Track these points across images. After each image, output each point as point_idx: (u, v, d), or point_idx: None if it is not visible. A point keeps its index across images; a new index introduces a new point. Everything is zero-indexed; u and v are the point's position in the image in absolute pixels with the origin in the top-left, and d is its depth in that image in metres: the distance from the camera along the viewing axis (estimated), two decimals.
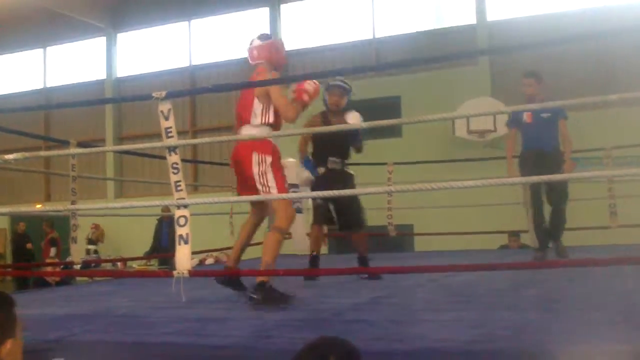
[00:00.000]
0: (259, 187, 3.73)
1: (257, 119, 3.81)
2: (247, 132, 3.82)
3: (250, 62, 4.04)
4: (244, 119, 3.87)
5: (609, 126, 9.94)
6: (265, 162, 3.73)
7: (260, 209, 4.04)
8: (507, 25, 11.83)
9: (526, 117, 5.51)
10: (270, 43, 4.05)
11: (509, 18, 12.00)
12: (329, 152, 4.98)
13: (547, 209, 5.63)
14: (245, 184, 3.86)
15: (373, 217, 6.56)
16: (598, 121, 10.20)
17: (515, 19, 11.88)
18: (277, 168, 3.78)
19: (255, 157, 3.73)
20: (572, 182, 7.87)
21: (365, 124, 3.69)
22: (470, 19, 12.29)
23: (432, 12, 12.95)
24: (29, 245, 12.83)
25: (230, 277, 4.01)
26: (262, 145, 3.76)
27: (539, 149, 5.39)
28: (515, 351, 2.45)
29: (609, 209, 7.03)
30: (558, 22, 11.19)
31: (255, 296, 3.59)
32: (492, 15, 12.13)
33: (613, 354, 2.30)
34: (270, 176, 3.72)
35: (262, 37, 4.09)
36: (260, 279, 3.64)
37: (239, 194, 4.01)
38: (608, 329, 2.70)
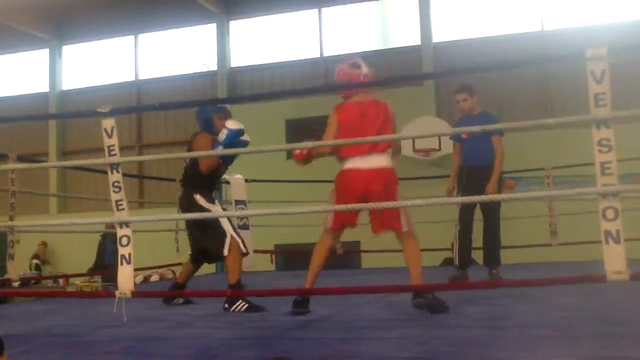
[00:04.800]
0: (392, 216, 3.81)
1: (389, 150, 3.93)
2: (381, 160, 3.85)
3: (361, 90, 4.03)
4: (381, 147, 3.87)
5: (550, 147, 10.28)
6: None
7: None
8: (452, 47, 12.14)
9: (462, 133, 5.49)
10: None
11: (453, 40, 12.32)
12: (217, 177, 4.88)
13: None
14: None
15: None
16: (539, 142, 10.55)
17: (460, 40, 12.21)
18: None
19: (398, 189, 3.90)
20: (515, 201, 8.10)
21: (310, 144, 3.71)
22: (415, 40, 12.55)
23: (379, 33, 13.18)
24: None
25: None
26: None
27: (473, 164, 5.41)
28: None
29: (550, 227, 7.25)
30: (501, 45, 11.57)
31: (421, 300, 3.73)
32: (437, 37, 12.42)
33: None
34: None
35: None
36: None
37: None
38: (549, 345, 2.77)
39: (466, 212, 5.48)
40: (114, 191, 3.31)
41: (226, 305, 4.30)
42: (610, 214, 2.62)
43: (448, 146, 10.97)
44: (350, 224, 3.99)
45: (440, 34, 12.45)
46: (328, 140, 3.93)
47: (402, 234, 3.87)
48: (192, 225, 4.59)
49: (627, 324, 3.19)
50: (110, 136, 3.28)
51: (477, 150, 5.39)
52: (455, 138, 5.74)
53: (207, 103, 3.94)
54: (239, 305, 4.24)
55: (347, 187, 3.87)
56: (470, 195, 4.51)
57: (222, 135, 4.36)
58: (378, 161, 3.86)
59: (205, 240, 4.52)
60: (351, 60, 4.17)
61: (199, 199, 4.47)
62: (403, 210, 3.86)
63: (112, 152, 3.28)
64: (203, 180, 4.53)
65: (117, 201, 3.30)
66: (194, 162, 4.55)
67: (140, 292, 3.84)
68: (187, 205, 4.53)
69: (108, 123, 3.29)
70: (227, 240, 4.38)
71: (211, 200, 4.53)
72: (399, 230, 3.86)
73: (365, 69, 4.09)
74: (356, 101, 3.99)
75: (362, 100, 3.99)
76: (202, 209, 4.44)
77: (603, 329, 3.07)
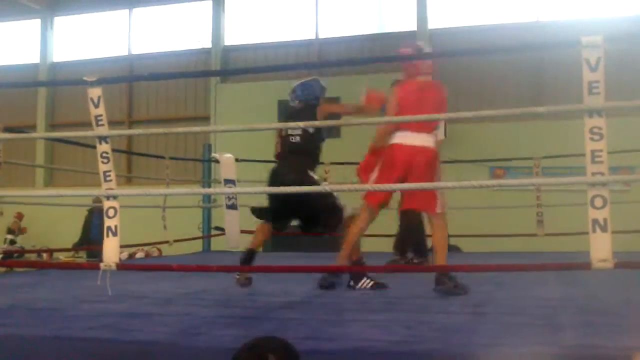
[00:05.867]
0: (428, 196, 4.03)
1: (434, 132, 4.13)
2: (428, 140, 4.03)
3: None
4: (430, 127, 4.08)
5: (539, 138, 10.30)
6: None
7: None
8: (447, 34, 12.10)
9: None
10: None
11: (449, 27, 12.28)
12: None
13: None
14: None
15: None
16: (529, 133, 10.57)
17: (456, 28, 12.18)
18: None
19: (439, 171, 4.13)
20: (503, 190, 8.12)
21: (302, 124, 3.72)
22: (411, 25, 12.50)
23: (375, 17, 13.11)
24: None
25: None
26: None
27: None
28: (442, 352, 2.49)
29: (536, 217, 7.28)
30: (496, 33, 11.53)
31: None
32: (433, 23, 12.37)
33: (535, 356, 2.37)
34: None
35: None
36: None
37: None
38: (531, 332, 2.78)
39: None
40: (102, 162, 3.28)
41: (351, 283, 4.29)
42: (598, 202, 2.63)
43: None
44: (387, 201, 4.15)
45: (436, 21, 12.40)
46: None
47: (435, 216, 4.03)
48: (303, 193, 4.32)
49: (609, 313, 3.21)
50: (96, 106, 3.24)
51: None
52: None
53: (196, 75, 3.89)
54: (364, 282, 4.27)
55: (391, 162, 4.01)
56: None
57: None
58: (424, 140, 4.02)
59: (318, 210, 4.43)
60: (416, 45, 4.37)
61: (311, 172, 4.45)
62: (440, 193, 4.01)
63: (100, 122, 3.24)
64: (318, 153, 4.59)
65: (105, 172, 3.27)
66: (318, 132, 4.55)
67: (125, 264, 3.82)
68: (300, 174, 4.37)
69: (94, 92, 3.24)
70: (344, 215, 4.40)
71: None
72: (432, 213, 4.03)
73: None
74: (417, 81, 4.14)
75: (423, 80, 4.15)
76: (314, 181, 4.40)
77: (585, 318, 3.09)
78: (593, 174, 2.66)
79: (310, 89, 4.69)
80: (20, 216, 12.93)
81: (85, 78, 3.26)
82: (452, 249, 8.26)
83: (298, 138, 4.54)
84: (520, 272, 4.45)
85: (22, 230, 13.14)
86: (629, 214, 5.49)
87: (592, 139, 2.66)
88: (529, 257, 6.73)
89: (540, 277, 4.54)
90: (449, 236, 8.65)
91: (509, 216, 8.23)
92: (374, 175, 4.12)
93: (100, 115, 3.24)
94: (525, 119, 10.52)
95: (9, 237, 12.45)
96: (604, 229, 2.60)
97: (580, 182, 2.81)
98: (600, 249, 2.62)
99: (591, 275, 2.79)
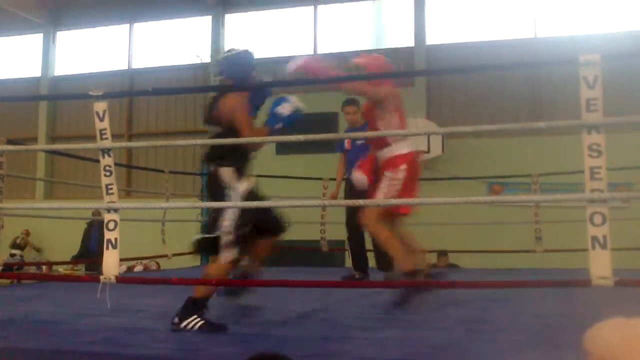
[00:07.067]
0: None
1: None
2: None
3: None
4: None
5: (538, 154, 10.34)
6: None
7: None
8: (444, 50, 12.17)
9: (346, 144, 5.81)
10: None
11: (446, 43, 12.34)
12: None
13: None
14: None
15: (306, 232, 6.56)
16: (527, 149, 10.60)
17: (453, 44, 12.24)
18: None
19: None
20: (501, 206, 8.13)
21: (302, 137, 3.72)
22: (409, 41, 12.56)
23: (373, 32, 13.18)
24: None
25: None
26: None
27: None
28: None
29: (535, 233, 7.28)
30: (494, 49, 11.60)
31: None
32: (430, 39, 12.44)
33: None
34: None
35: None
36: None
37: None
38: (529, 350, 2.78)
39: (350, 217, 5.61)
40: (105, 175, 3.29)
41: (176, 320, 3.32)
42: (597, 219, 2.64)
43: (437, 148, 11.01)
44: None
45: (434, 36, 12.47)
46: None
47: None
48: None
49: None
50: (101, 120, 3.27)
51: (357, 161, 5.26)
52: (340, 148, 5.99)
53: (200, 90, 3.88)
54: (192, 321, 3.30)
55: (416, 171, 4.00)
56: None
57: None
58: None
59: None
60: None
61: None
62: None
63: (104, 136, 3.27)
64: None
65: (107, 185, 3.29)
66: None
67: (125, 277, 3.83)
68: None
69: (100, 106, 3.27)
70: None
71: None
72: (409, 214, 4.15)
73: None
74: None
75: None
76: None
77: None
78: (592, 190, 2.68)
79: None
80: (27, 233, 13.03)
81: (91, 92, 3.29)
82: (450, 266, 8.30)
83: None
84: (519, 288, 4.44)
85: (27, 244, 13.20)
86: (628, 230, 5.50)
87: (590, 156, 2.68)
88: (527, 273, 6.73)
89: (538, 293, 4.54)
90: (448, 252, 8.66)
91: (507, 232, 8.25)
92: (384, 189, 3.91)
93: (105, 129, 3.27)
94: (523, 134, 10.58)
95: (13, 251, 12.50)
96: (603, 246, 2.61)
97: (580, 199, 2.82)
98: (600, 266, 2.63)
99: (590, 292, 2.78)
